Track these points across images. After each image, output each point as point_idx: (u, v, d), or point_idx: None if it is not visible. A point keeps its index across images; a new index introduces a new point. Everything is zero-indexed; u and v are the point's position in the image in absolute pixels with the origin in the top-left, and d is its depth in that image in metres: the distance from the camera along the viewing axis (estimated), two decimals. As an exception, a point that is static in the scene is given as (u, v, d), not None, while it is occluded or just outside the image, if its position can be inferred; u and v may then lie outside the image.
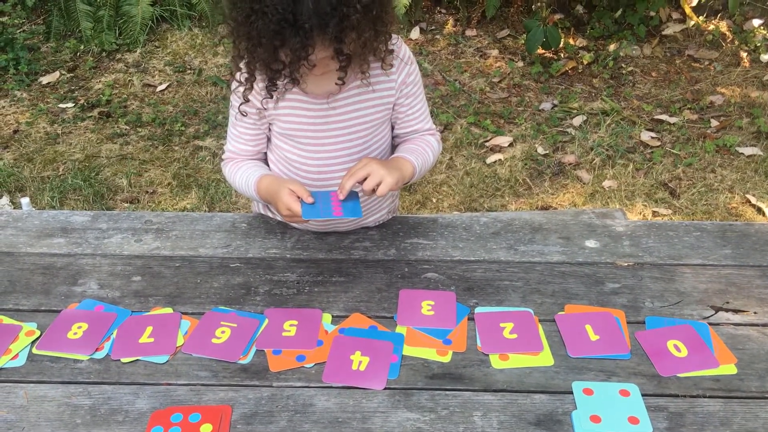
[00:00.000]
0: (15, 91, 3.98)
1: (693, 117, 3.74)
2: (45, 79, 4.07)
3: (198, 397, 1.26)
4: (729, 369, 1.31)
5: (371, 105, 1.54)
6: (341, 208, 1.45)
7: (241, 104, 1.52)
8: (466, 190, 3.23)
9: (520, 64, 4.20)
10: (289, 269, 1.56)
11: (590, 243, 1.64)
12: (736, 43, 4.32)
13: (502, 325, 1.39)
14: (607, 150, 3.48)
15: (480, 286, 1.51)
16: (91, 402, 1.25)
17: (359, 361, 1.31)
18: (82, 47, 4.31)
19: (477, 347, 1.35)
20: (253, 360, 1.33)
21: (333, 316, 1.43)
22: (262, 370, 1.31)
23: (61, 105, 3.87)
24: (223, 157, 1.67)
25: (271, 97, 1.47)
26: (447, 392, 1.26)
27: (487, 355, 1.34)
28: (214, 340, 1.36)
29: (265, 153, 1.65)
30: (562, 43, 4.12)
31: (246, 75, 1.43)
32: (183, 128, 3.68)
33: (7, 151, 3.52)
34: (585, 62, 4.16)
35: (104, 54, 4.27)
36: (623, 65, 4.16)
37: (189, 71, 4.16)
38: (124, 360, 1.33)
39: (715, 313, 1.44)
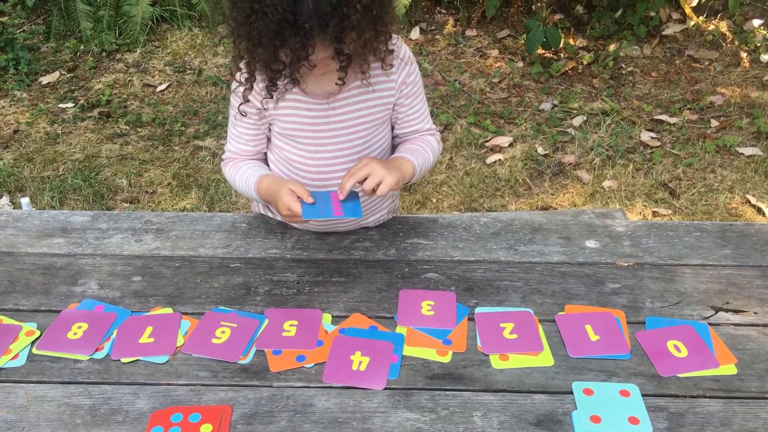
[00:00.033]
0: (15, 91, 3.98)
1: (693, 117, 3.74)
2: (45, 79, 4.07)
3: (198, 397, 1.26)
4: (729, 369, 1.31)
5: (371, 105, 1.54)
6: (341, 208, 1.45)
7: (241, 104, 1.52)
8: (466, 190, 3.23)
9: (520, 64, 4.20)
10: (289, 269, 1.56)
11: (590, 243, 1.64)
12: (736, 43, 4.32)
13: (502, 325, 1.39)
14: (607, 150, 3.48)
15: (480, 286, 1.51)
16: (91, 402, 1.25)
17: (359, 361, 1.31)
18: (82, 47, 4.31)
19: (477, 347, 1.35)
20: (253, 360, 1.33)
21: (333, 316, 1.43)
22: (262, 370, 1.31)
23: (61, 105, 3.87)
24: (223, 157, 1.67)
25: (271, 97, 1.47)
26: (447, 392, 1.26)
27: (487, 355, 1.34)
28: (214, 340, 1.36)
29: (265, 153, 1.65)
30: (562, 43, 4.11)
31: (246, 75, 1.43)
32: (183, 128, 3.68)
33: (7, 151, 3.52)
34: (585, 62, 4.16)
35: (104, 54, 4.27)
36: (623, 65, 4.16)
37: (189, 71, 4.16)
38: (124, 360, 1.33)
39: (715, 313, 1.44)
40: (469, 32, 4.50)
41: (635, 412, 1.21)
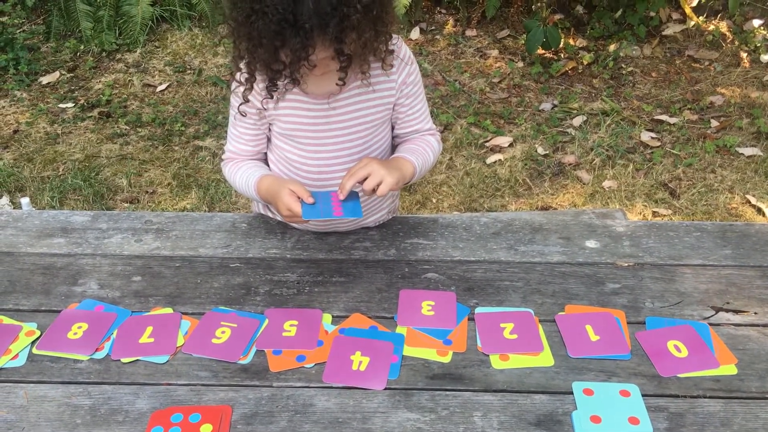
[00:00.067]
0: (15, 91, 3.98)
1: (693, 117, 3.74)
2: (45, 79, 4.07)
3: (198, 397, 1.26)
4: (729, 369, 1.31)
5: (371, 105, 1.54)
6: (341, 208, 1.45)
7: (241, 104, 1.52)
8: (466, 191, 3.23)
9: (520, 64, 4.20)
10: (289, 269, 1.56)
11: (590, 243, 1.64)
12: (736, 43, 4.32)
13: (502, 325, 1.39)
14: (607, 150, 3.48)
15: (480, 286, 1.51)
16: (91, 402, 1.25)
17: (359, 361, 1.31)
18: (82, 47, 4.31)
19: (477, 347, 1.35)
20: (253, 360, 1.33)
21: (333, 317, 1.43)
22: (262, 370, 1.31)
23: (61, 105, 3.87)
24: (223, 157, 1.67)
25: (272, 97, 1.47)
26: (447, 392, 1.26)
27: (488, 355, 1.34)
28: (214, 341, 1.36)
29: (266, 153, 1.65)
30: (562, 43, 4.11)
31: (246, 75, 1.43)
32: (183, 128, 3.68)
33: (7, 151, 3.52)
34: (585, 62, 4.16)
35: (104, 54, 4.27)
36: (623, 65, 4.16)
37: (189, 71, 4.16)
38: (124, 360, 1.33)
39: (716, 313, 1.44)
40: (469, 32, 4.50)
41: (635, 413, 1.21)
